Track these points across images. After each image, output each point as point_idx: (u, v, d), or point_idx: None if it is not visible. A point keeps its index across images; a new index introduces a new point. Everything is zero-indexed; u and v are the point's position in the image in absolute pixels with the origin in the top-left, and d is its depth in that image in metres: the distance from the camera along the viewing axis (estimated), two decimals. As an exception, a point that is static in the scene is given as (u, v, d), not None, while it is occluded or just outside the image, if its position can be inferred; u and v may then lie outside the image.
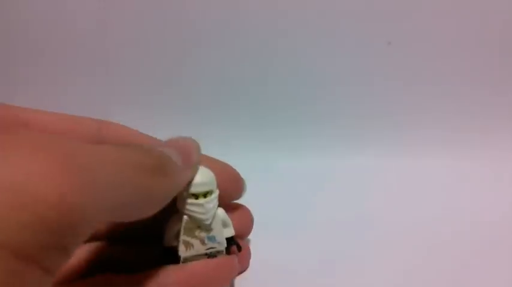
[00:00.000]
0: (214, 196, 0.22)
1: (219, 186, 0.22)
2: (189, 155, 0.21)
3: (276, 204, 0.33)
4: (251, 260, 0.26)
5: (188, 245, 0.22)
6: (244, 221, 0.25)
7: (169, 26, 0.37)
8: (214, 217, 0.22)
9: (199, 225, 0.22)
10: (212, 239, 0.22)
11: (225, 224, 0.23)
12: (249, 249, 0.26)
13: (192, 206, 0.21)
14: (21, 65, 0.39)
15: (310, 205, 0.33)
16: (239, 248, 0.23)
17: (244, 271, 0.25)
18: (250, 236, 0.27)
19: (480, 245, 0.29)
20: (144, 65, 0.39)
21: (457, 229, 0.30)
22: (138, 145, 0.19)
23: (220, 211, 0.22)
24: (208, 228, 0.22)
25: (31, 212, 0.12)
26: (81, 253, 0.22)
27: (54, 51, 0.39)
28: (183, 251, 0.22)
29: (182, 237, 0.21)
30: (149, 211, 0.18)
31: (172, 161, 0.19)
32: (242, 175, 0.25)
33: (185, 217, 0.21)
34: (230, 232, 0.23)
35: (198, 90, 0.39)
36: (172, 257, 0.22)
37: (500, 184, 0.35)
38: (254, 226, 0.26)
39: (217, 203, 0.22)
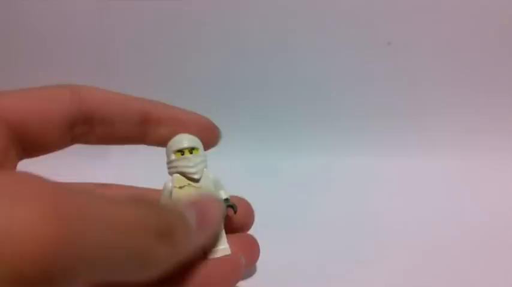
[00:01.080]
0: (201, 153, 0.22)
1: (194, 133, 0.22)
2: (208, 216, 0.19)
3: (276, 204, 0.33)
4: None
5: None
6: (245, 213, 0.25)
7: (169, 26, 0.37)
8: (203, 174, 0.22)
9: (190, 180, 0.22)
10: None
11: (218, 187, 0.23)
12: (257, 244, 0.25)
13: (180, 161, 0.22)
14: (21, 65, 0.39)
15: (310, 205, 0.33)
16: (235, 210, 0.23)
17: (253, 264, 0.25)
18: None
19: (480, 246, 0.29)
20: (143, 65, 0.39)
21: (457, 229, 0.30)
22: (144, 200, 0.16)
23: (212, 174, 0.22)
24: (197, 185, 0.22)
25: (9, 264, 0.11)
26: None
27: (54, 51, 0.39)
28: None
29: (173, 195, 0.21)
30: (148, 275, 0.16)
31: (185, 223, 0.17)
32: (242, 175, 0.25)
33: (174, 175, 0.22)
34: (224, 194, 0.23)
35: (198, 90, 0.39)
36: None
37: (500, 184, 0.35)
38: (254, 226, 0.26)
39: (205, 163, 0.22)
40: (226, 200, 0.23)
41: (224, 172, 0.23)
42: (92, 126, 0.21)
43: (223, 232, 0.22)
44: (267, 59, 0.38)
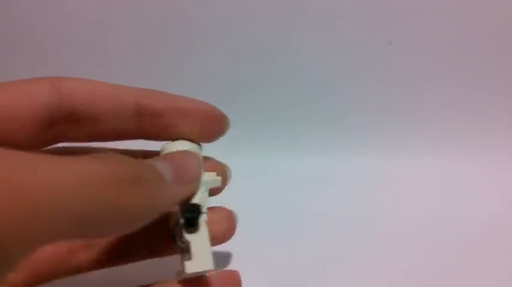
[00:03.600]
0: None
1: (199, 126, 0.21)
2: (185, 170, 0.18)
3: (276, 204, 0.33)
4: (250, 261, 0.26)
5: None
6: (227, 225, 0.23)
7: (169, 26, 0.37)
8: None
9: None
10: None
11: (212, 183, 0.21)
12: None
13: None
14: (20, 65, 0.39)
15: (310, 206, 0.33)
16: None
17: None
18: (251, 237, 0.27)
19: (480, 246, 0.29)
20: (143, 65, 0.39)
21: (456, 229, 0.30)
22: (111, 154, 0.16)
23: (206, 176, 0.21)
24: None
25: None
26: None
27: (54, 52, 0.39)
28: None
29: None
30: (127, 227, 0.15)
31: (155, 171, 0.16)
32: (241, 175, 0.25)
33: None
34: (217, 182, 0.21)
35: (198, 90, 0.39)
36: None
37: (499, 184, 0.35)
38: (254, 226, 0.26)
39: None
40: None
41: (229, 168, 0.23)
42: (77, 123, 0.19)
43: (209, 243, 0.20)
44: (266, 59, 0.38)
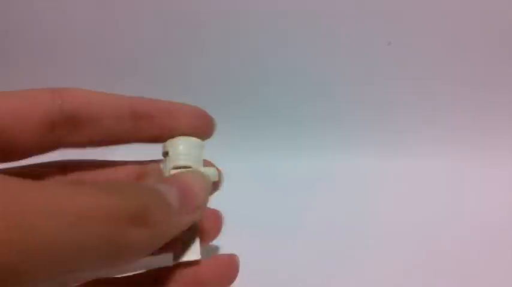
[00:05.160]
0: (195, 166, 0.21)
1: (186, 127, 0.22)
2: (193, 195, 0.17)
3: (275, 204, 0.33)
4: (250, 261, 0.26)
5: None
6: (213, 225, 0.23)
7: (169, 26, 0.37)
8: None
9: None
10: None
11: (211, 178, 0.21)
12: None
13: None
14: (20, 65, 0.39)
15: (309, 206, 0.33)
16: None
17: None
18: (249, 237, 0.27)
19: (480, 246, 0.29)
20: (143, 65, 0.39)
21: (457, 229, 0.30)
22: (117, 185, 0.15)
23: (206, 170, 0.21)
24: None
25: None
26: None
27: (54, 51, 0.39)
28: None
29: None
30: (128, 260, 0.15)
31: (163, 202, 0.16)
32: (240, 175, 0.25)
33: None
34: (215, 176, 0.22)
35: (197, 90, 0.39)
36: None
37: (500, 184, 0.35)
38: (253, 226, 0.26)
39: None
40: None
41: (222, 172, 0.23)
42: (77, 127, 0.20)
43: (197, 236, 0.20)
44: (266, 59, 0.38)
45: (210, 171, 0.21)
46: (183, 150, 0.21)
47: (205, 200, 0.18)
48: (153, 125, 0.21)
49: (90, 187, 0.14)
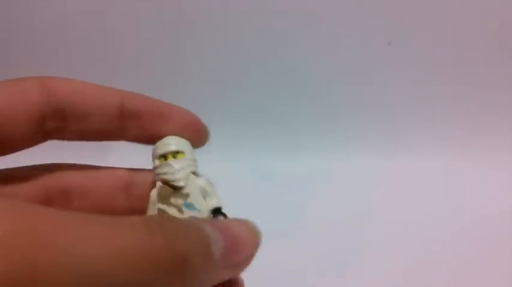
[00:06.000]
0: (187, 156, 0.20)
1: (177, 131, 0.20)
2: (240, 250, 0.15)
3: (275, 204, 0.33)
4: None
5: (164, 214, 0.20)
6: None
7: (169, 26, 0.37)
8: (188, 181, 0.20)
9: (173, 189, 0.20)
10: (190, 206, 0.20)
11: (207, 194, 0.20)
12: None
13: (161, 168, 0.20)
14: (21, 65, 0.39)
15: (309, 205, 0.33)
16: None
17: None
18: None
19: (479, 245, 0.29)
20: (142, 65, 0.39)
21: (456, 228, 0.30)
22: (159, 223, 0.13)
23: (201, 180, 0.20)
24: (183, 193, 0.20)
25: None
26: None
27: (54, 52, 0.39)
28: None
29: (158, 205, 0.20)
30: None
31: (206, 251, 0.14)
32: (240, 175, 0.25)
33: (158, 182, 0.20)
34: (216, 202, 0.20)
35: (197, 90, 0.39)
36: None
37: (500, 185, 0.35)
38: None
39: (191, 167, 0.20)
40: (218, 209, 0.20)
41: (221, 172, 0.23)
42: (65, 120, 0.19)
43: None
44: (266, 59, 0.38)
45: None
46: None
47: (252, 259, 0.16)
48: (141, 127, 0.21)
49: (128, 222, 0.13)
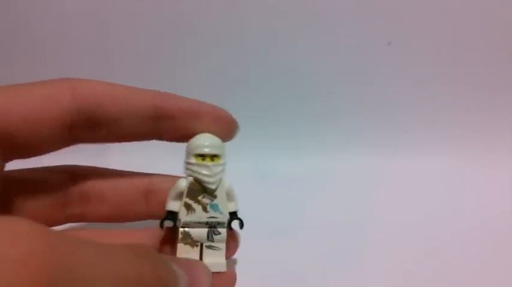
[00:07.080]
0: (222, 162, 0.21)
1: (209, 129, 0.21)
2: (198, 285, 0.18)
3: (275, 204, 0.33)
4: (250, 261, 0.26)
5: (190, 209, 0.21)
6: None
7: (169, 26, 0.37)
8: (219, 184, 0.21)
9: (204, 189, 0.21)
10: (215, 207, 0.21)
11: (229, 197, 0.22)
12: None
13: (199, 167, 0.21)
14: (21, 65, 0.39)
15: (309, 205, 0.33)
16: (241, 225, 0.22)
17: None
18: (251, 237, 0.27)
19: (480, 245, 0.29)
20: (142, 65, 0.39)
21: (456, 229, 0.30)
22: (142, 250, 0.15)
23: (227, 184, 0.22)
24: (212, 194, 0.21)
25: None
26: None
27: (54, 52, 0.39)
28: (183, 215, 0.21)
29: (185, 199, 0.21)
30: None
31: (175, 279, 0.16)
32: (242, 176, 0.25)
33: (190, 178, 0.21)
34: (234, 206, 0.22)
35: (197, 90, 0.39)
36: (173, 221, 0.21)
37: (500, 185, 0.35)
38: (252, 226, 0.26)
39: (224, 172, 0.21)
40: (234, 213, 0.22)
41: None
42: (97, 127, 0.20)
43: (224, 244, 0.21)
44: (266, 59, 0.38)
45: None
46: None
47: None
48: (175, 126, 0.21)
49: (122, 252, 0.14)
